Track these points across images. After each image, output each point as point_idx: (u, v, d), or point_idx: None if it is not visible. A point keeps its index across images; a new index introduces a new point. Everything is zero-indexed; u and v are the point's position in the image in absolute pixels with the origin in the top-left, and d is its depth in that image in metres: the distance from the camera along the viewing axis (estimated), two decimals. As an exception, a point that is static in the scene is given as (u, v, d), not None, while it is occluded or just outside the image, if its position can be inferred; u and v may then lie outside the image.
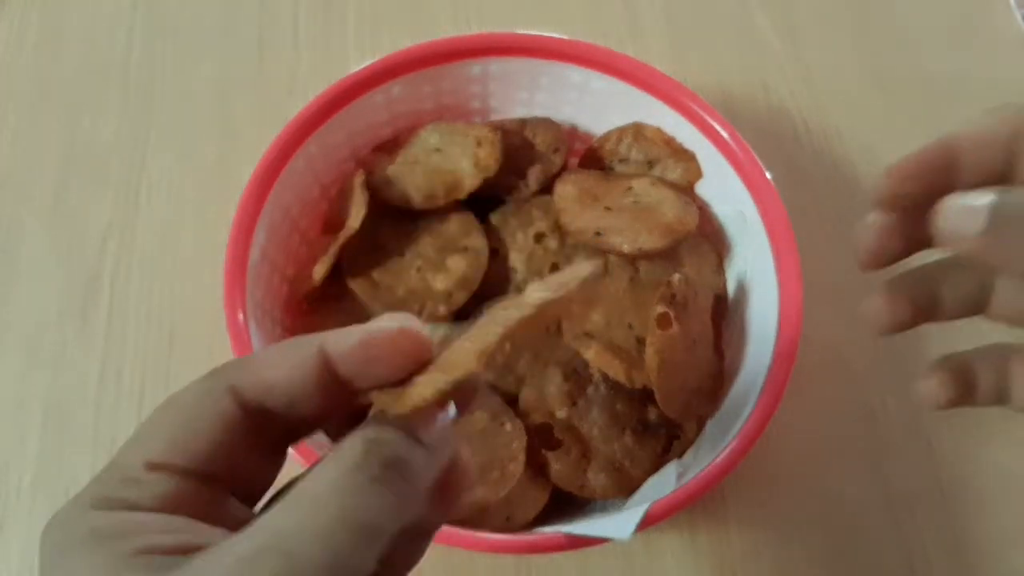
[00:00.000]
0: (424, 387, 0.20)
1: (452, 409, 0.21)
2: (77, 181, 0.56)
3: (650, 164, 0.50)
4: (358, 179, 0.47)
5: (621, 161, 0.51)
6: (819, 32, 0.63)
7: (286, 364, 0.21)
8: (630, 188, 0.49)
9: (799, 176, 0.57)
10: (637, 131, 0.50)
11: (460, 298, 0.46)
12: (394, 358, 0.21)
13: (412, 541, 0.23)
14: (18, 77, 0.60)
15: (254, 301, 0.42)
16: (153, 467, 0.19)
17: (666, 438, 0.45)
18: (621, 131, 0.51)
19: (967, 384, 0.26)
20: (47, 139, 0.58)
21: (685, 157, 0.49)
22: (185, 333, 0.51)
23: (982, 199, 0.23)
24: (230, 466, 0.20)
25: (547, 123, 0.52)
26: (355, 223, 0.45)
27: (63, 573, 0.17)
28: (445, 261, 0.47)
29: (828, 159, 0.59)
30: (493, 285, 0.47)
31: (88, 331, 0.51)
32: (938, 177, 0.25)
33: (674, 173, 0.50)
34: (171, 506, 0.19)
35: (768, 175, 0.45)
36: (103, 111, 0.59)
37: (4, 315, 0.52)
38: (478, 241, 0.48)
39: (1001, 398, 0.26)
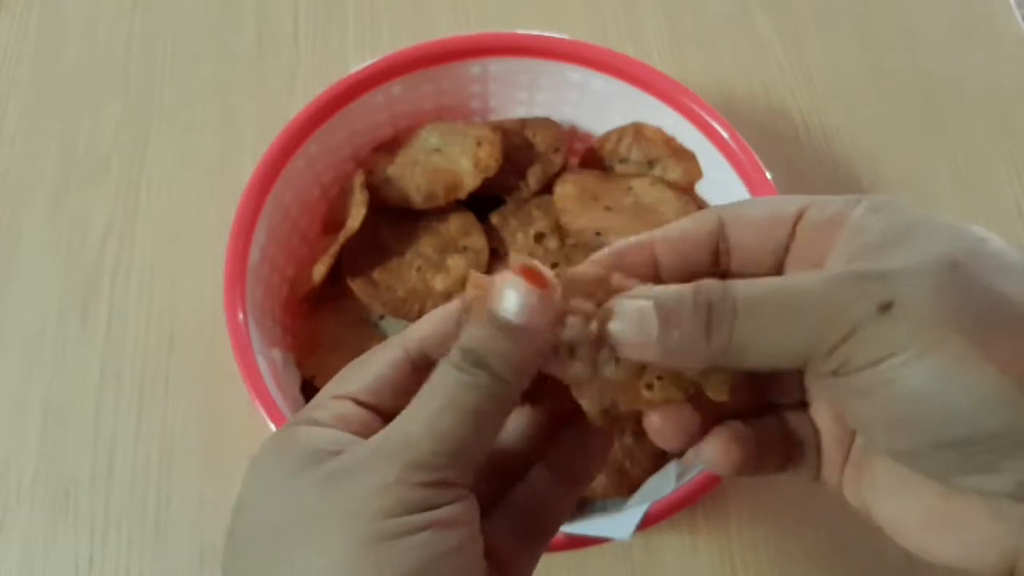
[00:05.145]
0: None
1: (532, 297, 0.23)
2: (77, 181, 0.56)
3: (650, 164, 0.50)
4: (358, 179, 0.47)
5: (621, 161, 0.51)
6: (819, 32, 0.63)
7: (436, 318, 0.26)
8: (630, 188, 0.49)
9: (799, 176, 0.57)
10: (637, 131, 0.50)
11: (460, 298, 0.46)
12: None
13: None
14: (18, 77, 0.60)
15: (254, 301, 0.42)
16: (335, 397, 0.24)
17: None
18: (621, 131, 0.51)
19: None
20: (47, 139, 0.57)
21: (685, 157, 0.49)
22: (185, 333, 0.51)
23: (644, 304, 0.22)
24: (399, 404, 0.23)
25: (547, 123, 0.52)
26: (355, 223, 0.45)
27: (261, 469, 0.23)
28: (445, 261, 0.47)
29: (828, 159, 0.59)
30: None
31: (88, 331, 0.51)
32: (640, 272, 0.25)
33: (674, 173, 0.50)
34: (343, 424, 0.24)
35: (768, 175, 0.45)
36: (103, 111, 0.58)
37: (4, 315, 0.52)
38: (478, 241, 0.48)
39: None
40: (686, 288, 0.22)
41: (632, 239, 0.25)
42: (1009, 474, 0.20)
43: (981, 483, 0.21)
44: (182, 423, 0.48)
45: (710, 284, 0.22)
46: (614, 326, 0.22)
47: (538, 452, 0.26)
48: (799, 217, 0.24)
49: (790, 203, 0.24)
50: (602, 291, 0.24)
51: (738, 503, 0.47)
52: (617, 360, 0.23)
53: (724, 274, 0.25)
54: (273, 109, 0.57)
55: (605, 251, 0.25)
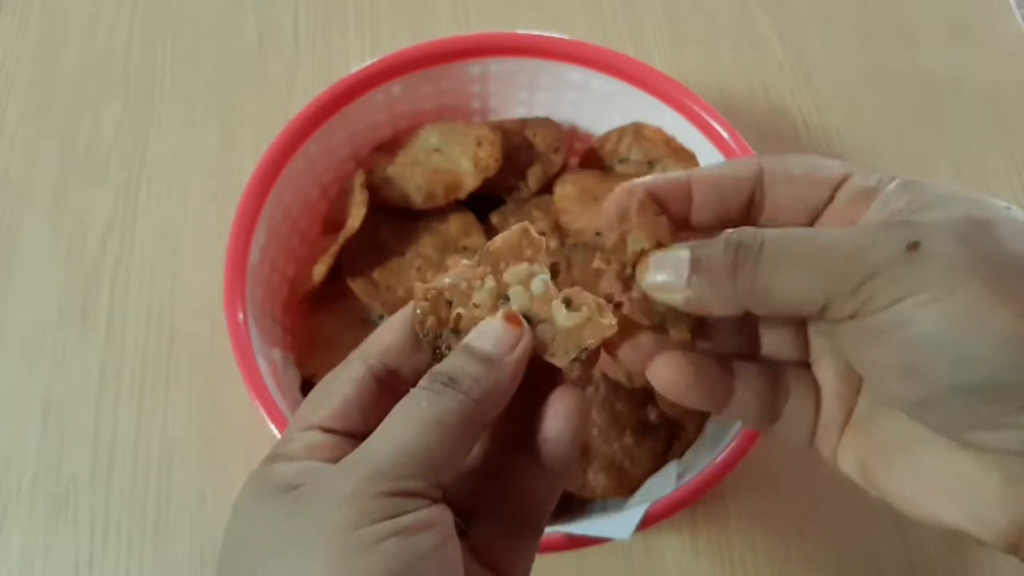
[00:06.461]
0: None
1: (500, 323, 0.24)
2: (77, 181, 0.56)
3: (650, 164, 0.50)
4: (358, 179, 0.47)
5: (621, 161, 0.51)
6: (819, 32, 0.63)
7: (395, 326, 0.26)
8: (630, 188, 0.49)
9: (799, 176, 0.57)
10: (637, 131, 0.50)
11: (460, 298, 0.46)
12: None
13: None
14: (18, 77, 0.60)
15: (254, 301, 0.42)
16: (304, 428, 0.24)
17: (666, 438, 0.45)
18: (621, 131, 0.51)
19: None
20: (47, 139, 0.57)
21: (685, 157, 0.49)
22: (185, 333, 0.51)
23: (682, 252, 0.24)
24: (369, 422, 0.24)
25: (547, 123, 0.52)
26: (355, 223, 0.45)
27: (240, 504, 0.23)
28: (445, 261, 0.47)
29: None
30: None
31: (88, 331, 0.51)
32: (678, 203, 0.26)
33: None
34: (314, 455, 0.23)
35: (768, 175, 0.44)
36: (103, 111, 0.58)
37: (4, 315, 0.52)
38: (478, 241, 0.48)
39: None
40: (719, 236, 0.23)
41: (671, 174, 0.26)
42: (1019, 431, 0.20)
43: (991, 439, 0.21)
44: (182, 423, 0.48)
45: (742, 228, 0.23)
46: (650, 276, 0.24)
47: (514, 445, 0.26)
48: (840, 182, 0.24)
49: (834, 167, 0.25)
50: (530, 249, 0.25)
51: (738, 503, 0.47)
52: (568, 303, 0.25)
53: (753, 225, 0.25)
54: (273, 109, 0.58)
55: (647, 178, 0.26)
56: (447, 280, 0.25)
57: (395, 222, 0.48)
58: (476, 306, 0.25)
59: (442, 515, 0.22)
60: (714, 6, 0.64)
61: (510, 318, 0.24)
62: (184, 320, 0.51)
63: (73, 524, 0.46)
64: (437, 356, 0.25)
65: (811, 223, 0.25)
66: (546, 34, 0.48)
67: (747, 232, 0.23)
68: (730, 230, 0.23)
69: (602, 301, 0.25)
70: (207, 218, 0.54)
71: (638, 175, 0.50)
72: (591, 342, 0.24)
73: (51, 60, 0.61)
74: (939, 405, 0.21)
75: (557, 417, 0.25)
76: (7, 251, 0.54)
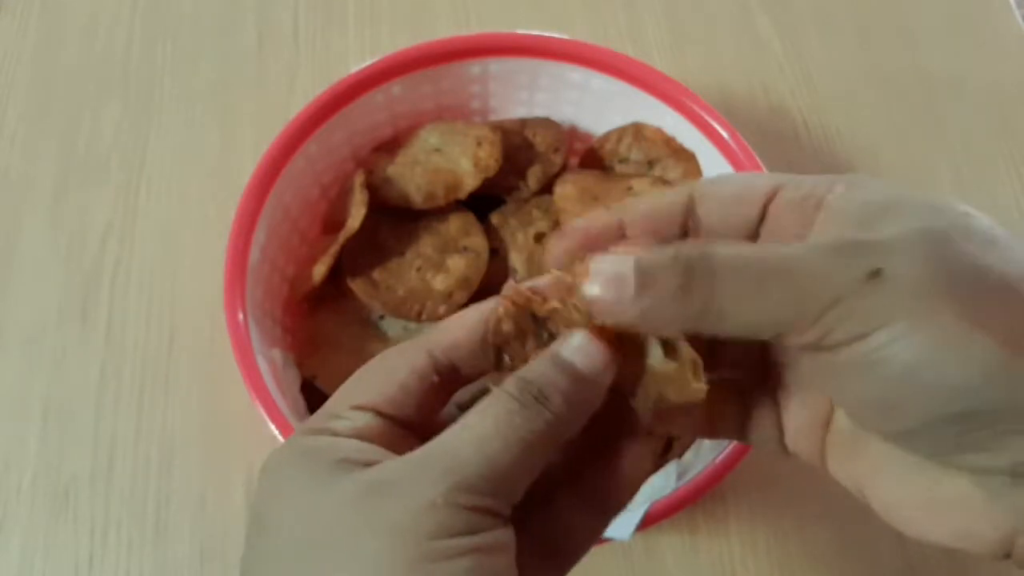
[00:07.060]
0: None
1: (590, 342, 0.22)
2: (77, 181, 0.56)
3: (650, 164, 0.50)
4: (358, 179, 0.47)
5: (621, 161, 0.51)
6: (819, 32, 0.63)
7: (468, 322, 0.24)
8: (630, 188, 0.49)
9: (799, 176, 0.57)
10: (637, 131, 0.50)
11: (460, 298, 0.46)
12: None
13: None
14: (18, 77, 0.60)
15: (254, 301, 0.42)
16: (355, 407, 0.23)
17: (666, 438, 0.45)
18: (621, 131, 0.51)
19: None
20: (47, 139, 0.58)
21: (685, 157, 0.49)
22: (185, 333, 0.51)
23: (624, 265, 0.21)
24: (422, 416, 0.23)
25: (547, 123, 0.52)
26: (355, 223, 0.45)
27: (282, 478, 0.22)
28: (445, 261, 0.47)
29: (828, 159, 0.59)
30: (493, 285, 0.48)
31: (88, 331, 0.51)
32: (610, 242, 0.24)
33: (674, 173, 0.50)
34: (365, 436, 0.22)
35: (768, 175, 0.45)
36: (103, 111, 0.58)
37: (4, 315, 0.52)
38: (478, 241, 0.48)
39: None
40: (667, 248, 0.21)
41: (596, 216, 0.25)
42: (1006, 452, 0.20)
43: (976, 461, 0.20)
44: (182, 423, 0.48)
45: (688, 245, 0.21)
46: (589, 289, 0.22)
47: (564, 477, 0.25)
48: (771, 196, 0.23)
49: (762, 180, 0.24)
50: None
51: (738, 503, 0.47)
52: (667, 348, 0.23)
53: None
54: (273, 109, 0.58)
55: (580, 223, 0.25)
56: (541, 284, 0.23)
57: (395, 222, 0.48)
58: (576, 309, 0.23)
59: (511, 539, 0.21)
60: (714, 6, 0.64)
61: (606, 338, 0.22)
62: (184, 320, 0.51)
63: (73, 524, 0.46)
64: (500, 364, 0.23)
65: (750, 241, 0.24)
66: (546, 34, 0.48)
67: (693, 250, 0.21)
68: (677, 244, 0.21)
69: (698, 359, 0.22)
70: (207, 218, 0.54)
71: (638, 175, 0.50)
72: (673, 398, 0.23)
73: (51, 60, 0.61)
74: (922, 435, 0.21)
75: (623, 469, 0.24)
76: (7, 251, 0.54)
